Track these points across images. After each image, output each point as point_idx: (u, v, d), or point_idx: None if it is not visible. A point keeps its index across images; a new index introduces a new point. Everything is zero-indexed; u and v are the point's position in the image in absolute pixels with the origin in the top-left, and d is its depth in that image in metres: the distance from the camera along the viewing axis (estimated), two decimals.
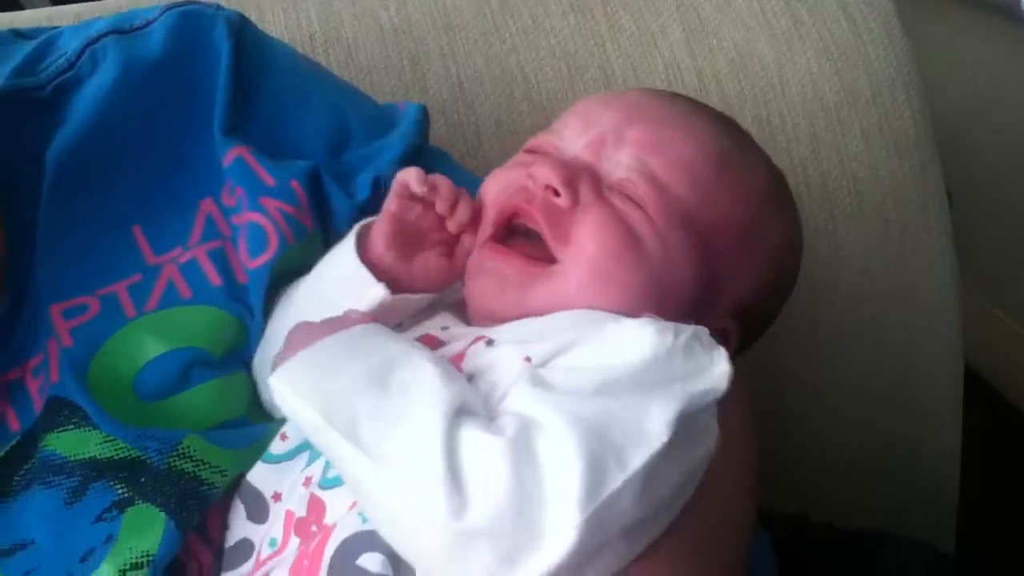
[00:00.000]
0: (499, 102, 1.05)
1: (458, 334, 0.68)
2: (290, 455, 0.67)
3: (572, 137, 0.72)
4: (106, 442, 0.68)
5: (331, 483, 0.64)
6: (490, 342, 0.65)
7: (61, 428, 0.69)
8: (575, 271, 0.67)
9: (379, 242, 0.71)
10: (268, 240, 0.76)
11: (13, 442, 0.70)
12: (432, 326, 0.70)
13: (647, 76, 1.07)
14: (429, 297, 0.72)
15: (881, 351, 1.11)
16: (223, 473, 0.67)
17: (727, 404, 0.61)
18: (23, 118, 0.77)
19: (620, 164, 0.70)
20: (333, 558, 0.61)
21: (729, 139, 0.73)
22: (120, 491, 0.67)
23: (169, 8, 0.82)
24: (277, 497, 0.66)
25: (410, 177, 0.70)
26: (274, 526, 0.65)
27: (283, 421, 0.70)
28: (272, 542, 0.65)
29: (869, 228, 1.09)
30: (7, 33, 0.85)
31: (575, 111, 0.74)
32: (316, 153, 0.82)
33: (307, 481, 0.65)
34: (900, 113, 1.10)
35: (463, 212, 0.70)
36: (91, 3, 1.04)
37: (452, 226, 0.70)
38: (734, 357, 0.62)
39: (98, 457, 0.68)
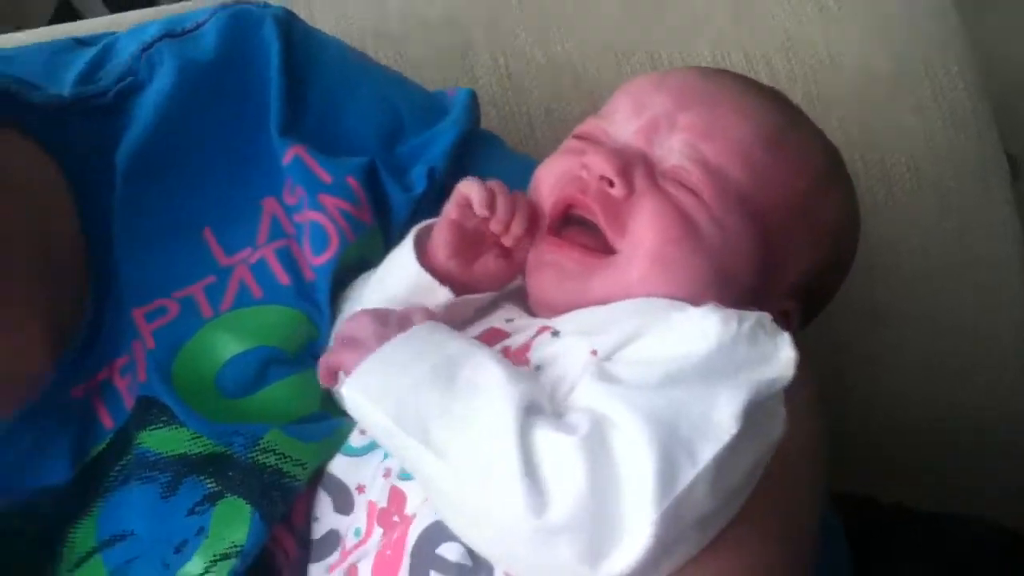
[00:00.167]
0: (548, 90, 1.05)
1: (522, 325, 0.69)
2: (370, 447, 0.68)
3: (623, 122, 0.72)
4: (194, 439, 0.71)
5: (410, 474, 0.65)
6: (555, 333, 0.66)
7: (152, 426, 0.72)
8: (634, 261, 0.67)
9: (441, 250, 0.71)
10: (329, 238, 0.77)
11: (108, 439, 0.72)
12: (496, 319, 0.71)
13: (694, 59, 1.06)
14: (491, 295, 0.73)
15: (942, 327, 1.09)
16: (304, 466, 0.69)
17: (793, 389, 0.61)
18: (90, 124, 0.79)
19: (672, 150, 0.69)
20: (415, 547, 0.62)
21: (781, 116, 0.73)
22: (210, 485, 0.69)
23: (218, 9, 0.84)
24: (361, 489, 0.67)
25: (472, 193, 0.70)
26: (358, 517, 0.67)
27: None
28: (356, 532, 0.66)
29: (927, 203, 1.07)
30: (69, 41, 0.87)
31: (624, 94, 0.74)
32: (369, 145, 0.82)
33: (387, 473, 0.66)
34: (954, 84, 1.08)
35: (517, 227, 0.70)
36: (148, 9, 1.06)
37: (508, 241, 0.71)
38: (795, 337, 0.62)
39: (188, 453, 0.70)
